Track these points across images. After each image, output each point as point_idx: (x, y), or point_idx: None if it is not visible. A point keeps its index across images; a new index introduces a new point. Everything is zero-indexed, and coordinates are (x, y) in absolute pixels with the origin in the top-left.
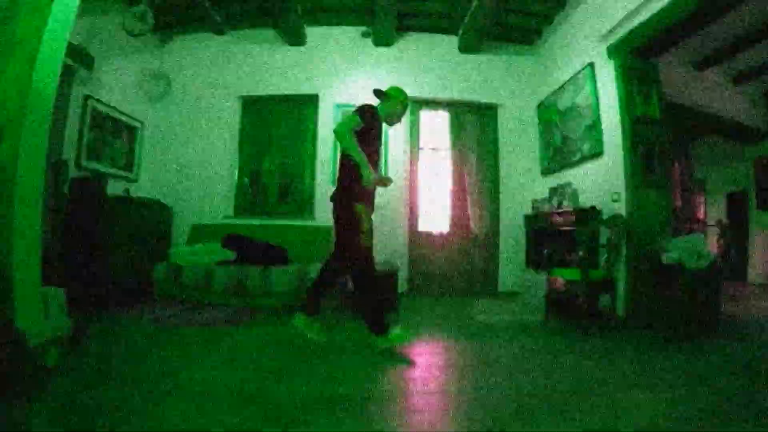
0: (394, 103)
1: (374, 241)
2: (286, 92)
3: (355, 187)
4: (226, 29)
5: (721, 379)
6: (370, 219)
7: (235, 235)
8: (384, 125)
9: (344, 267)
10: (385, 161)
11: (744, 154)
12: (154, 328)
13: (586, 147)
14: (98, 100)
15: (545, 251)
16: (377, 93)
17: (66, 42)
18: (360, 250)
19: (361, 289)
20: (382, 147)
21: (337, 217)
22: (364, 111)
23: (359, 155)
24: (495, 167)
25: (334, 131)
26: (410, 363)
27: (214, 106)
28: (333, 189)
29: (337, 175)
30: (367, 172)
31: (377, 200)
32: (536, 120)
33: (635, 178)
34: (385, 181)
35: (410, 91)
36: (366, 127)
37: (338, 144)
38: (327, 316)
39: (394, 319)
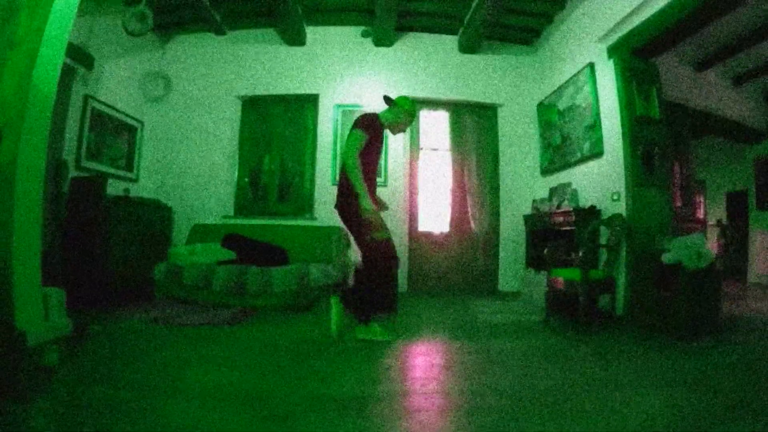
0: (399, 112)
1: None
2: (286, 92)
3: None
4: (226, 29)
5: (720, 379)
6: (379, 215)
7: (235, 235)
8: (385, 132)
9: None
10: (385, 161)
11: (744, 154)
12: (154, 328)
13: (586, 147)
14: (98, 100)
15: (545, 251)
16: (386, 99)
17: (66, 42)
18: (381, 245)
19: (368, 277)
20: (381, 154)
21: (350, 225)
22: (366, 122)
23: (360, 187)
24: (495, 167)
25: (343, 156)
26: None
27: (214, 106)
28: (336, 195)
29: (340, 181)
30: (366, 203)
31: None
32: (536, 120)
33: (635, 178)
34: (383, 207)
35: (410, 91)
36: (369, 139)
37: (340, 145)
38: (328, 316)
39: (390, 319)
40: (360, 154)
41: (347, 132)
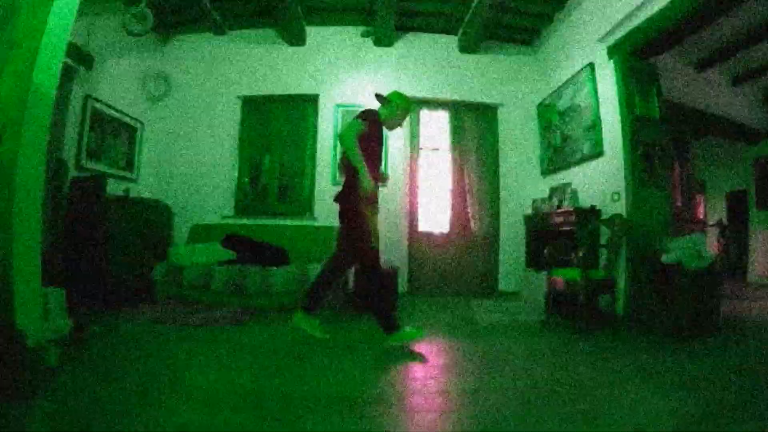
0: (393, 108)
1: (379, 244)
2: (286, 92)
3: (360, 189)
4: (226, 29)
5: (720, 379)
6: (375, 220)
7: (235, 235)
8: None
9: (345, 266)
10: (385, 161)
11: (744, 154)
12: (154, 328)
13: (586, 147)
14: (98, 100)
15: (545, 251)
16: (378, 97)
17: (66, 41)
18: (370, 250)
19: (372, 288)
20: (383, 148)
21: (344, 219)
22: (367, 116)
23: (360, 163)
24: (495, 167)
25: (340, 137)
26: (423, 360)
27: (214, 106)
28: (336, 189)
29: (343, 175)
30: (366, 181)
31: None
32: (536, 120)
33: (635, 178)
34: (383, 180)
35: (410, 91)
36: (369, 131)
37: (340, 145)
38: (327, 315)
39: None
40: (362, 148)
41: None
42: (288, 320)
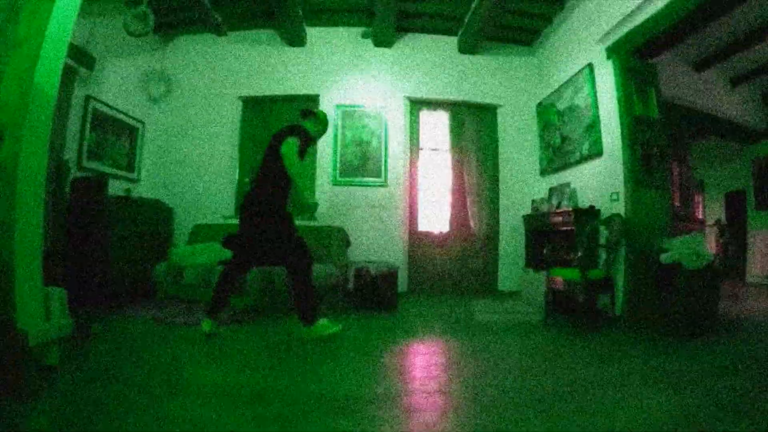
0: (320, 125)
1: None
2: (286, 92)
3: (284, 204)
4: (226, 30)
5: (719, 378)
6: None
7: (235, 235)
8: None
9: (305, 267)
10: (386, 161)
11: (743, 154)
12: (155, 327)
13: (585, 147)
14: (99, 101)
15: (545, 251)
16: (307, 113)
17: (67, 42)
18: (301, 244)
19: (300, 279)
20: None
21: (275, 240)
22: (300, 133)
23: (303, 182)
24: (495, 167)
25: (284, 155)
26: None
27: (214, 107)
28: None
29: (264, 189)
30: (308, 196)
31: (374, 198)
32: (536, 120)
33: (634, 178)
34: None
35: (410, 91)
36: (301, 148)
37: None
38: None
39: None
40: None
41: (347, 133)
42: (287, 319)
